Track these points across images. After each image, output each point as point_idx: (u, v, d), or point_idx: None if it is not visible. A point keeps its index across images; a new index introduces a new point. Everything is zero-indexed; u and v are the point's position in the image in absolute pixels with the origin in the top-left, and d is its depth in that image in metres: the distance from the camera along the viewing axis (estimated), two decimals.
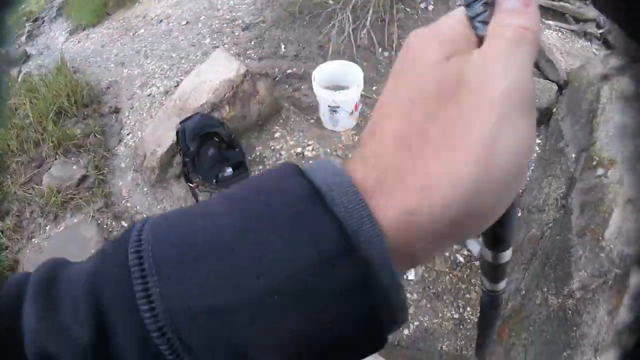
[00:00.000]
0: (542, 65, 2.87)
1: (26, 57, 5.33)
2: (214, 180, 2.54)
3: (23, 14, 7.10)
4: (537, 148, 2.60)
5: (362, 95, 2.88)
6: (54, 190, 2.77)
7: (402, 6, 3.30)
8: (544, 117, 2.61)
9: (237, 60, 2.77)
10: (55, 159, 3.02)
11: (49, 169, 2.95)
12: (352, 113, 2.65)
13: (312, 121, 2.84)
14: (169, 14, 4.43)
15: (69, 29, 5.44)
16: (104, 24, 5.00)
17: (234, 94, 2.68)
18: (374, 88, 2.97)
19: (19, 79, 4.38)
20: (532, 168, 2.52)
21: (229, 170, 2.54)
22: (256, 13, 3.68)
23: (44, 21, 6.40)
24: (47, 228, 2.77)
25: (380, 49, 3.07)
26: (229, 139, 2.53)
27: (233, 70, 2.70)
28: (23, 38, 6.08)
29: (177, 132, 2.55)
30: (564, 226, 1.82)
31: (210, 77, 2.76)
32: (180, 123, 2.56)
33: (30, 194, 2.87)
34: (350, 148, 2.68)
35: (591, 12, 3.36)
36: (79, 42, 4.97)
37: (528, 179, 2.50)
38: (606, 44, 3.28)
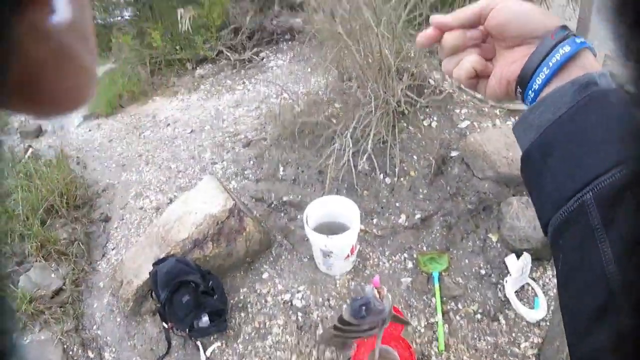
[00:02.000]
0: None
1: (40, 132, 5.42)
2: (187, 330, 2.27)
3: None
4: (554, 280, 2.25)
5: (361, 230, 2.63)
6: (27, 297, 2.62)
7: (405, 124, 3.13)
8: None
9: (225, 193, 2.58)
10: (37, 260, 2.88)
11: (28, 270, 2.81)
12: (347, 257, 2.37)
13: (305, 260, 2.58)
14: (176, 118, 4.42)
15: (84, 113, 5.56)
16: (117, 117, 5.07)
17: (219, 230, 2.47)
18: (374, 221, 2.72)
19: (27, 155, 4.40)
20: (551, 309, 2.15)
21: (205, 319, 2.26)
22: (259, 128, 3.59)
23: None
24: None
25: (381, 175, 2.86)
26: (206, 286, 2.27)
27: (219, 204, 2.51)
28: None
29: (150, 275, 2.34)
30: None
31: (196, 207, 2.58)
32: (154, 265, 2.34)
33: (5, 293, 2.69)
34: (346, 296, 2.37)
35: None
36: (89, 130, 5.02)
37: (548, 323, 2.12)
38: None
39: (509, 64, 0.49)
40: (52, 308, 2.63)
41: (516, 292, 2.25)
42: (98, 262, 3.00)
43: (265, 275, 2.53)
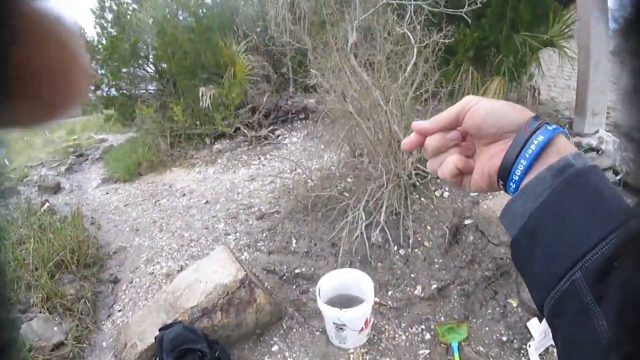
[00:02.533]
0: None
1: (58, 188, 5.58)
2: None
3: (72, 145, 7.72)
4: None
5: (375, 303, 2.56)
6: (26, 346, 2.54)
7: (417, 196, 3.17)
8: None
9: (236, 264, 2.58)
10: (41, 311, 2.83)
11: (31, 319, 2.75)
12: (361, 330, 2.30)
13: (317, 333, 2.49)
14: (192, 189, 4.54)
15: (103, 176, 5.75)
16: (134, 183, 5.23)
17: (229, 300, 2.43)
18: (389, 293, 2.66)
19: (43, 209, 4.46)
20: None
21: None
22: (273, 201, 3.66)
23: (87, 159, 6.85)
24: None
25: (395, 247, 2.84)
26: (212, 356, 2.19)
27: (230, 274, 2.50)
28: (63, 169, 6.49)
29: (156, 339, 2.27)
30: None
31: (207, 277, 2.56)
32: (160, 330, 2.28)
33: None
34: None
35: (606, 160, 3.23)
36: (107, 193, 5.16)
37: None
38: (626, 186, 2.99)
39: (488, 159, 0.52)
40: None
41: (540, 355, 2.14)
42: (103, 322, 2.94)
43: (275, 348, 2.44)
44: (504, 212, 0.49)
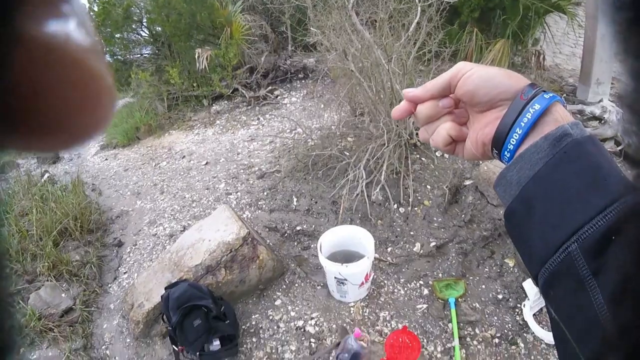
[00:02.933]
0: None
1: (57, 158, 5.55)
2: (198, 353, 2.23)
3: None
4: None
5: (375, 259, 2.62)
6: (36, 314, 2.61)
7: (418, 156, 3.18)
8: None
9: (239, 222, 2.61)
10: (48, 280, 2.88)
11: (39, 288, 2.81)
12: (362, 284, 2.36)
13: (318, 288, 2.56)
14: (192, 151, 4.53)
15: (101, 143, 5.71)
16: (133, 148, 5.20)
17: (232, 257, 2.48)
18: (388, 249, 2.71)
19: (43, 179, 4.48)
20: None
21: (216, 343, 2.23)
22: (273, 161, 3.66)
23: None
24: (21, 350, 2.49)
25: (395, 205, 2.87)
26: (218, 311, 2.25)
27: (233, 232, 2.53)
28: None
29: (162, 298, 2.33)
30: None
31: (210, 235, 2.60)
32: (166, 289, 2.33)
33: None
34: (359, 323, 2.33)
35: (609, 130, 3.23)
36: (106, 159, 5.15)
37: None
38: (627, 158, 3.02)
39: (482, 127, 0.50)
40: (62, 326, 2.61)
41: (534, 314, 2.21)
42: (109, 285, 3.00)
43: (278, 302, 2.51)
44: (498, 180, 0.48)
